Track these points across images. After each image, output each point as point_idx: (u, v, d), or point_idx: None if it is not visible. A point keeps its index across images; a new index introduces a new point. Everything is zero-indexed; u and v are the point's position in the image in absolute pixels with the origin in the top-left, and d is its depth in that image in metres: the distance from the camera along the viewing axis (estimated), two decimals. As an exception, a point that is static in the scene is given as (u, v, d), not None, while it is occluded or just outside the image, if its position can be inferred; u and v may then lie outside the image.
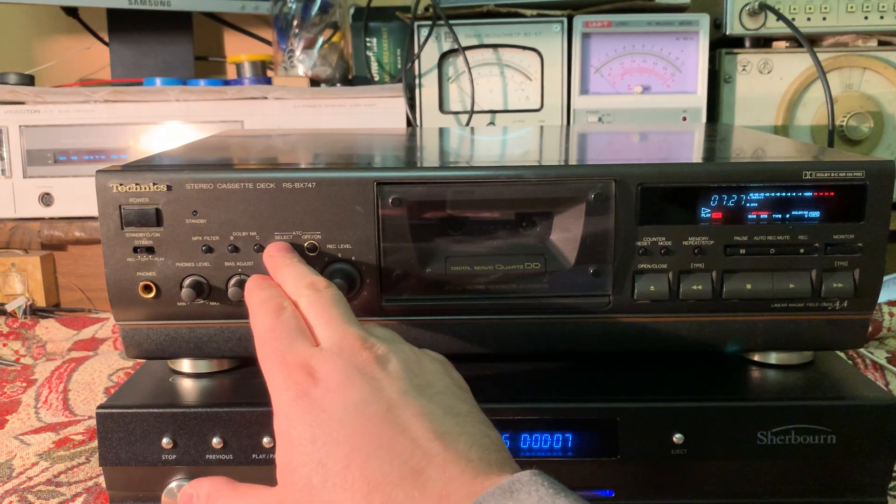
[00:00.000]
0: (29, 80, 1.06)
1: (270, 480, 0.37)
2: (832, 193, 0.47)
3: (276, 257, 0.45)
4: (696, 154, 0.62)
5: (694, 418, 0.47)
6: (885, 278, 0.88)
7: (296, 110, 1.01)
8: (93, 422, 0.66)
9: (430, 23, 1.01)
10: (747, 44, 1.01)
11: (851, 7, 0.98)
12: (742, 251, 0.48)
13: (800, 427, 0.47)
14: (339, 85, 1.11)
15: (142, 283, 0.48)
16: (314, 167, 0.50)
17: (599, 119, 1.01)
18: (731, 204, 0.48)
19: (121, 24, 1.18)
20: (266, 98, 1.01)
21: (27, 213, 1.02)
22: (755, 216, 0.48)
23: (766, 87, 1.00)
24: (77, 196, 1.01)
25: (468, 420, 0.35)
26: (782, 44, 1.01)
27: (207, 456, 0.47)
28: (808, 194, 0.48)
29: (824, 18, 0.98)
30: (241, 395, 0.49)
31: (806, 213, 0.48)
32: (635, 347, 0.50)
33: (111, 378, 0.75)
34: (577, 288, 0.49)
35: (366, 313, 0.49)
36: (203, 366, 0.53)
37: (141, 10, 1.11)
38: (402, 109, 1.02)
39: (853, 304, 0.49)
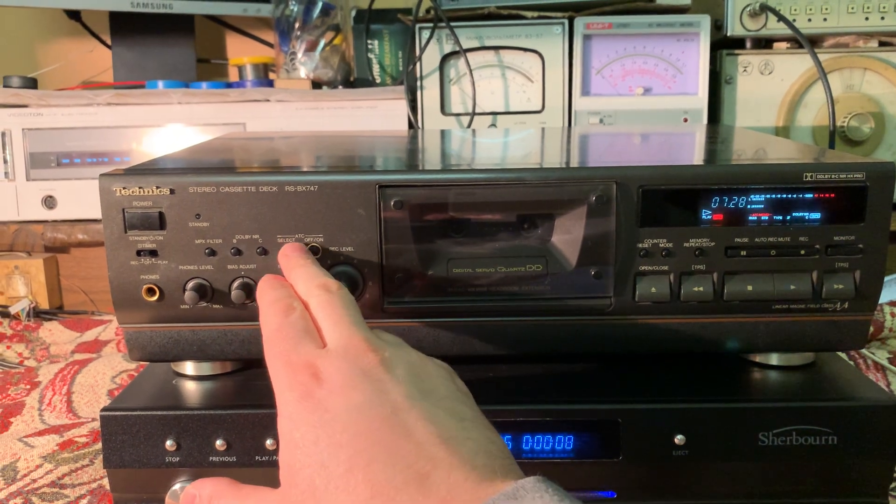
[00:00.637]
0: (32, 84, 1.07)
1: (273, 482, 0.38)
2: (833, 195, 0.48)
3: (291, 257, 0.45)
4: (697, 156, 0.62)
5: (695, 419, 0.47)
6: (886, 279, 0.88)
7: (298, 113, 1.01)
8: (96, 424, 0.66)
9: (431, 25, 1.01)
10: (748, 45, 1.01)
11: (852, 8, 0.98)
12: (743, 253, 0.48)
13: (801, 428, 0.47)
14: (340, 87, 1.11)
15: (145, 286, 0.48)
16: (316, 170, 0.50)
17: (601, 120, 1.01)
18: (731, 205, 0.48)
19: (123, 26, 1.18)
20: (268, 100, 1.02)
21: (30, 215, 1.02)
22: (756, 218, 0.48)
23: (767, 87, 1.00)
24: (80, 199, 1.02)
25: (473, 425, 0.35)
26: (783, 45, 1.02)
27: (211, 458, 0.48)
28: (809, 196, 0.48)
29: (825, 19, 0.98)
30: (244, 397, 0.50)
31: (807, 214, 0.48)
32: (637, 349, 0.51)
33: (114, 380, 0.75)
34: (578, 290, 0.49)
35: (368, 315, 0.49)
36: (206, 368, 0.53)
37: (143, 13, 1.12)
38: (403, 111, 1.02)
39: (854, 305, 0.49)
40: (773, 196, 0.48)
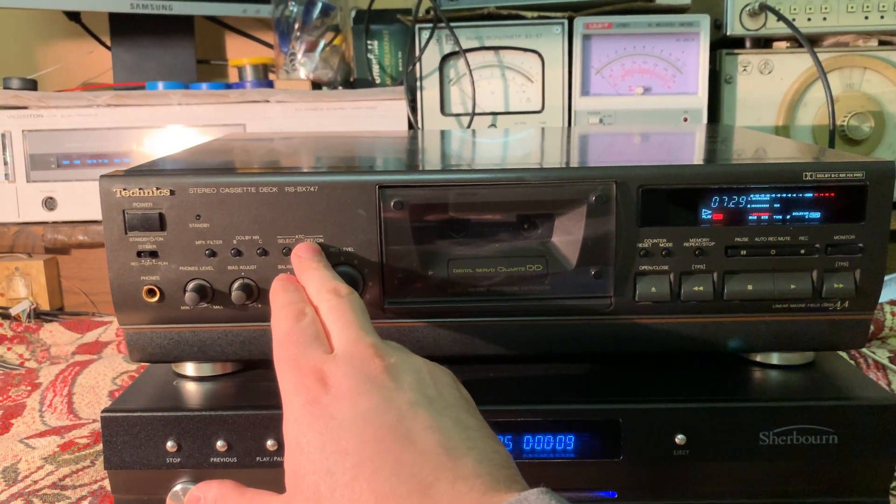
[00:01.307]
0: (32, 85, 1.07)
1: (274, 483, 0.38)
2: (832, 194, 0.48)
3: (303, 259, 0.45)
4: (696, 155, 0.62)
5: (696, 419, 0.47)
6: (887, 278, 0.88)
7: (298, 113, 1.02)
8: (97, 425, 0.66)
9: (431, 25, 1.01)
10: (748, 44, 1.01)
11: (852, 7, 0.98)
12: (743, 252, 0.48)
13: (802, 427, 0.47)
14: (340, 88, 1.11)
15: (146, 287, 0.48)
16: (317, 171, 0.50)
17: (600, 120, 1.01)
18: (731, 205, 0.48)
19: (123, 28, 1.19)
20: (268, 101, 1.02)
21: (31, 217, 1.02)
22: (756, 217, 0.48)
23: (766, 87, 1.00)
24: (80, 200, 1.02)
25: (477, 435, 0.35)
26: (783, 44, 1.02)
27: (211, 459, 0.48)
28: (809, 195, 0.48)
29: (825, 18, 0.98)
30: (245, 398, 0.50)
31: (806, 213, 0.48)
32: (637, 349, 0.51)
33: (115, 381, 0.75)
34: (578, 290, 0.49)
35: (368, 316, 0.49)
36: (207, 369, 0.53)
37: (143, 14, 1.12)
38: (403, 112, 1.02)
39: (854, 305, 0.49)
40: (773, 195, 0.48)
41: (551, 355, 0.53)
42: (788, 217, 0.48)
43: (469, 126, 1.02)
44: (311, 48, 1.10)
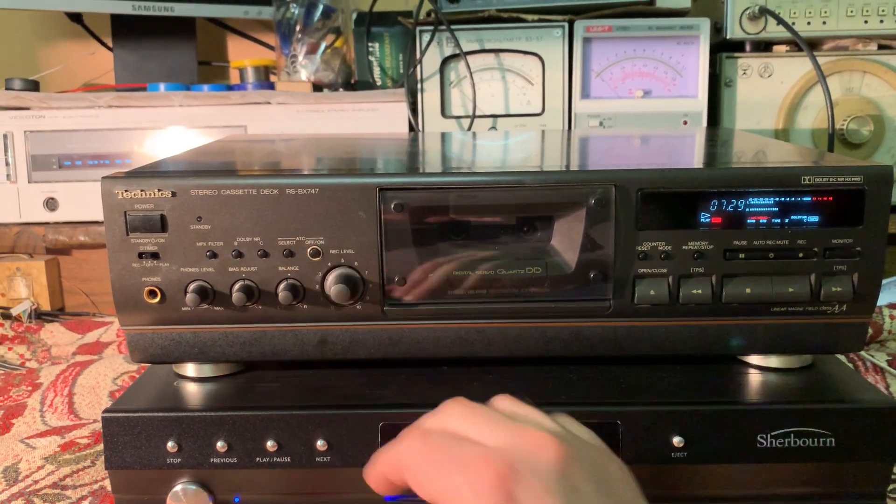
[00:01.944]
0: (33, 86, 1.07)
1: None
2: (831, 198, 0.48)
3: None
4: (696, 159, 0.63)
5: (694, 421, 0.47)
6: (885, 281, 0.88)
7: (299, 115, 1.02)
8: (98, 425, 0.66)
9: (431, 28, 1.01)
10: (748, 48, 1.02)
11: (851, 11, 0.98)
12: (741, 255, 0.48)
13: (799, 430, 0.47)
14: (341, 90, 1.11)
15: (147, 289, 0.48)
16: (317, 173, 0.50)
17: (600, 123, 1.02)
18: (730, 209, 0.48)
19: (125, 29, 1.19)
20: (269, 103, 1.02)
21: (32, 217, 1.02)
22: (754, 221, 0.48)
23: (766, 90, 1.01)
24: (81, 201, 1.02)
25: None
26: (783, 48, 1.02)
27: (212, 459, 0.48)
28: (807, 199, 0.48)
29: (824, 22, 0.99)
30: (245, 399, 0.50)
31: (805, 217, 0.48)
32: (636, 351, 0.51)
33: (116, 382, 0.76)
34: (577, 293, 0.49)
35: (368, 318, 0.50)
36: (207, 370, 0.53)
37: (145, 15, 1.12)
38: (404, 114, 1.02)
39: (852, 308, 0.49)
40: (772, 199, 0.48)
41: (550, 357, 0.53)
42: (787, 221, 0.48)
43: (469, 128, 1.02)
44: (312, 50, 1.10)
